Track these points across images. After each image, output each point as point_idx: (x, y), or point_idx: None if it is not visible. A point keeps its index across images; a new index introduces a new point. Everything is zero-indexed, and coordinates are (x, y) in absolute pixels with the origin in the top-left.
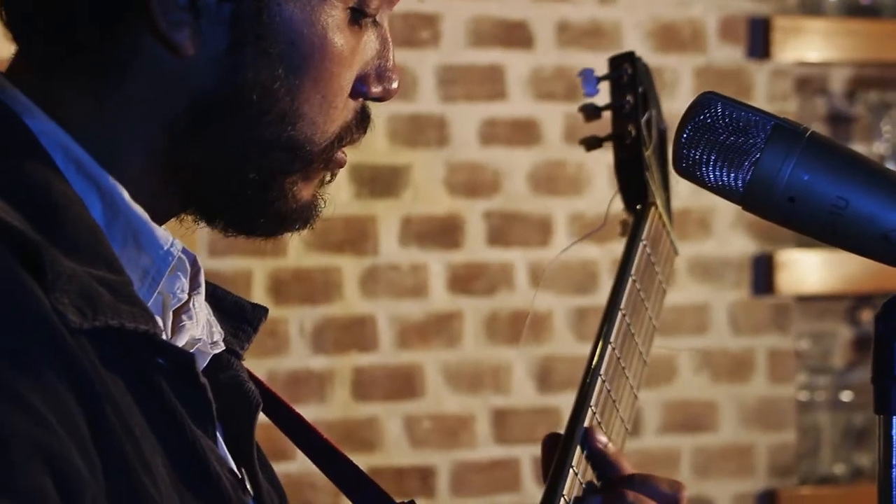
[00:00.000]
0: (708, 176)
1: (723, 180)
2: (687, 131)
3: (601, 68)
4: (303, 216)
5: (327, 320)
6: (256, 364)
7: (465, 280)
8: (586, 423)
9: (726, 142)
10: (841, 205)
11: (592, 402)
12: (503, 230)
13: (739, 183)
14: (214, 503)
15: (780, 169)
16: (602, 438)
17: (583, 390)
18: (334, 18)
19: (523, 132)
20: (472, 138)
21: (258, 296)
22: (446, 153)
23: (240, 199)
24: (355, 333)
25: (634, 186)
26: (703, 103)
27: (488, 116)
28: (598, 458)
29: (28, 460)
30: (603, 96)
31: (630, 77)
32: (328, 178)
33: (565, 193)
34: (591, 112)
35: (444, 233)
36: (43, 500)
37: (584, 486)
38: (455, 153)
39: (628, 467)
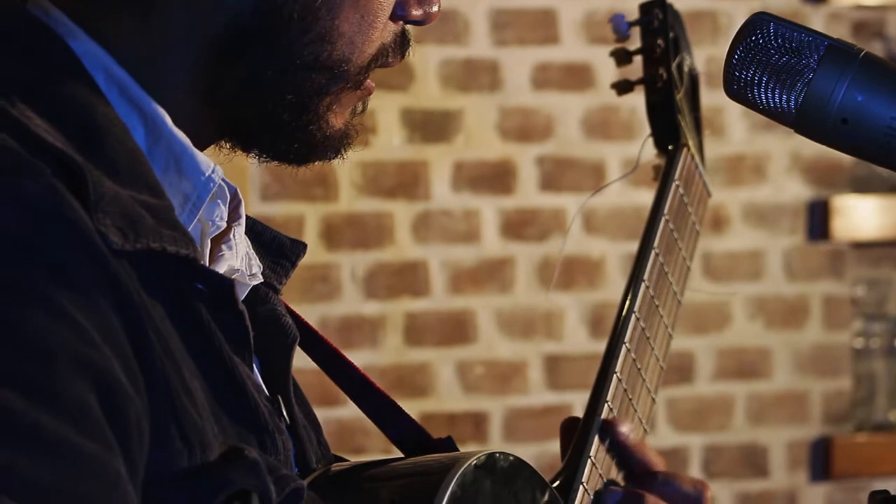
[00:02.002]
0: (760, 98)
1: (775, 102)
2: (738, 52)
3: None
4: (335, 145)
5: (379, 265)
6: (308, 309)
7: (518, 225)
8: (620, 359)
9: (778, 62)
10: None
11: (627, 340)
12: (555, 175)
13: (792, 104)
14: (251, 427)
15: (834, 90)
16: (623, 430)
17: (617, 328)
18: None
19: (576, 77)
20: (524, 83)
21: (310, 241)
22: (499, 98)
23: (276, 121)
24: (407, 279)
25: (666, 129)
26: (755, 23)
27: (541, 61)
28: (621, 450)
29: (71, 375)
30: (635, 41)
31: (661, 22)
32: (360, 108)
33: (618, 138)
34: (623, 57)
35: (497, 178)
36: (86, 414)
37: (604, 479)
38: (507, 98)
39: (653, 460)
